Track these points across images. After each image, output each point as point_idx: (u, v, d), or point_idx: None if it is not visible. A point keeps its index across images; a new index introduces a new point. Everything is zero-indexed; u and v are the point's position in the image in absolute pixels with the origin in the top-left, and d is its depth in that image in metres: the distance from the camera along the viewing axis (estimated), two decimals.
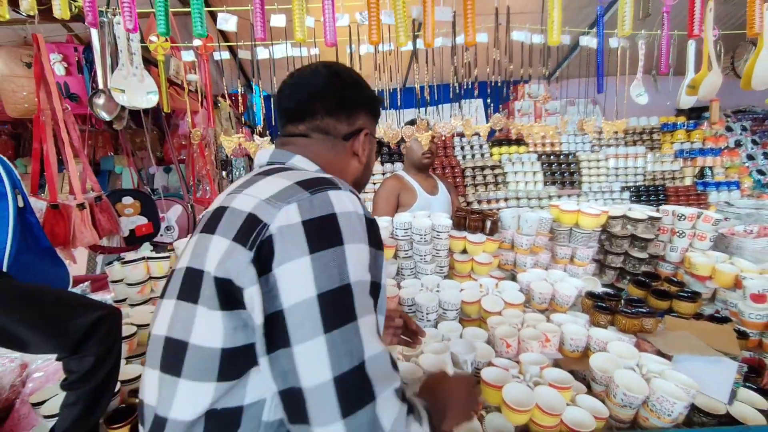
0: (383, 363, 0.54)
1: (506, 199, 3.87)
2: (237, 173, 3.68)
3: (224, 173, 3.60)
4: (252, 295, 0.54)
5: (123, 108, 1.64)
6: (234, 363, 0.55)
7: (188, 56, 1.78)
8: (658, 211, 1.94)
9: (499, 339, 1.27)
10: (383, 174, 3.96)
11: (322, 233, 0.56)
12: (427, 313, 1.46)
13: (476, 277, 1.75)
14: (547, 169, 4.14)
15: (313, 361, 0.50)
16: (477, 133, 2.15)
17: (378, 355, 0.53)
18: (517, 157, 4.12)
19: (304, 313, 0.51)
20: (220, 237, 0.59)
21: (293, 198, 0.59)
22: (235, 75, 3.83)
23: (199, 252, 0.61)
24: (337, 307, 0.53)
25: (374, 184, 3.86)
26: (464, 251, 1.79)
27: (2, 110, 2.54)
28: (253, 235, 0.55)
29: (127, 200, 1.76)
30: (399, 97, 1.95)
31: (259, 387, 0.55)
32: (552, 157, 4.20)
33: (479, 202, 3.83)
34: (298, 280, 0.52)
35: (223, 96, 3.26)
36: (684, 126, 4.33)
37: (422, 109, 1.99)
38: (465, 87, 1.93)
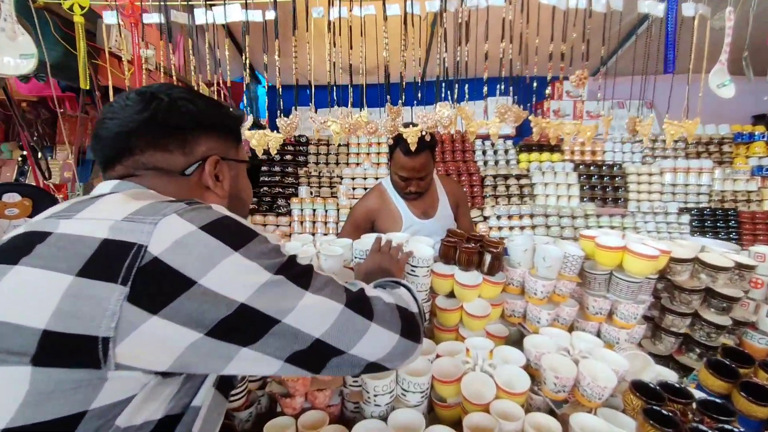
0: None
1: (532, 215, 3.26)
2: None
3: None
4: (146, 335, 0.43)
5: None
6: None
7: (110, 18, 1.39)
8: (746, 252, 1.33)
9: None
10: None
11: (232, 231, 0.51)
12: (375, 395, 0.96)
13: (465, 334, 1.23)
14: (585, 181, 3.48)
15: (313, 312, 0.52)
16: (485, 137, 1.64)
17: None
18: (549, 165, 3.50)
19: (275, 292, 0.50)
20: (41, 271, 0.44)
21: (168, 210, 0.49)
22: (238, 62, 3.49)
23: None
24: (299, 272, 0.54)
25: None
26: (452, 294, 1.27)
27: None
28: (126, 265, 0.44)
29: (11, 197, 1.37)
30: (350, 81, 1.43)
31: None
32: (592, 167, 3.54)
33: (498, 217, 3.24)
34: (240, 274, 0.48)
35: (209, 83, 2.90)
36: (764, 137, 3.52)
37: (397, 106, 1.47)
38: (458, 78, 1.37)
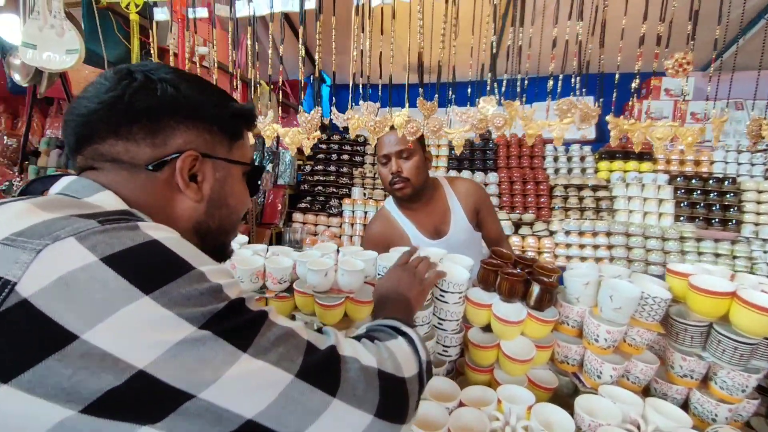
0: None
1: (609, 234, 2.80)
2: (283, 167, 3.39)
3: (270, 166, 3.33)
4: None
5: (41, 70, 1.34)
6: None
7: (160, 15, 1.42)
8: None
9: None
10: None
11: (151, 264, 0.38)
12: None
13: (501, 379, 1.01)
14: (684, 197, 2.91)
15: (246, 385, 0.39)
16: (548, 141, 1.37)
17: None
18: (636, 176, 2.98)
19: (194, 354, 0.36)
20: None
21: (65, 230, 0.37)
22: (301, 60, 3.54)
23: None
24: (239, 325, 0.40)
25: None
26: (489, 328, 1.06)
27: None
28: None
29: None
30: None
31: None
32: (694, 181, 2.94)
33: (567, 233, 2.85)
34: (146, 328, 0.35)
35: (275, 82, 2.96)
36: None
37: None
38: (516, 72, 1.13)
